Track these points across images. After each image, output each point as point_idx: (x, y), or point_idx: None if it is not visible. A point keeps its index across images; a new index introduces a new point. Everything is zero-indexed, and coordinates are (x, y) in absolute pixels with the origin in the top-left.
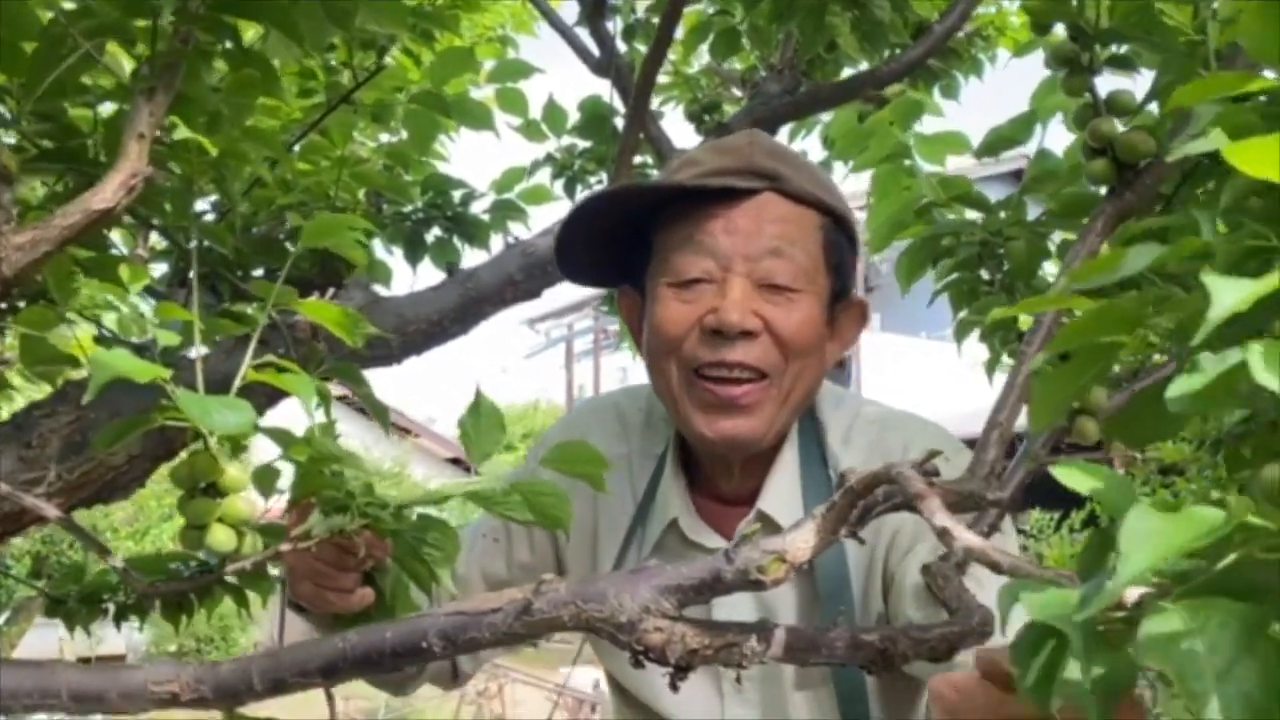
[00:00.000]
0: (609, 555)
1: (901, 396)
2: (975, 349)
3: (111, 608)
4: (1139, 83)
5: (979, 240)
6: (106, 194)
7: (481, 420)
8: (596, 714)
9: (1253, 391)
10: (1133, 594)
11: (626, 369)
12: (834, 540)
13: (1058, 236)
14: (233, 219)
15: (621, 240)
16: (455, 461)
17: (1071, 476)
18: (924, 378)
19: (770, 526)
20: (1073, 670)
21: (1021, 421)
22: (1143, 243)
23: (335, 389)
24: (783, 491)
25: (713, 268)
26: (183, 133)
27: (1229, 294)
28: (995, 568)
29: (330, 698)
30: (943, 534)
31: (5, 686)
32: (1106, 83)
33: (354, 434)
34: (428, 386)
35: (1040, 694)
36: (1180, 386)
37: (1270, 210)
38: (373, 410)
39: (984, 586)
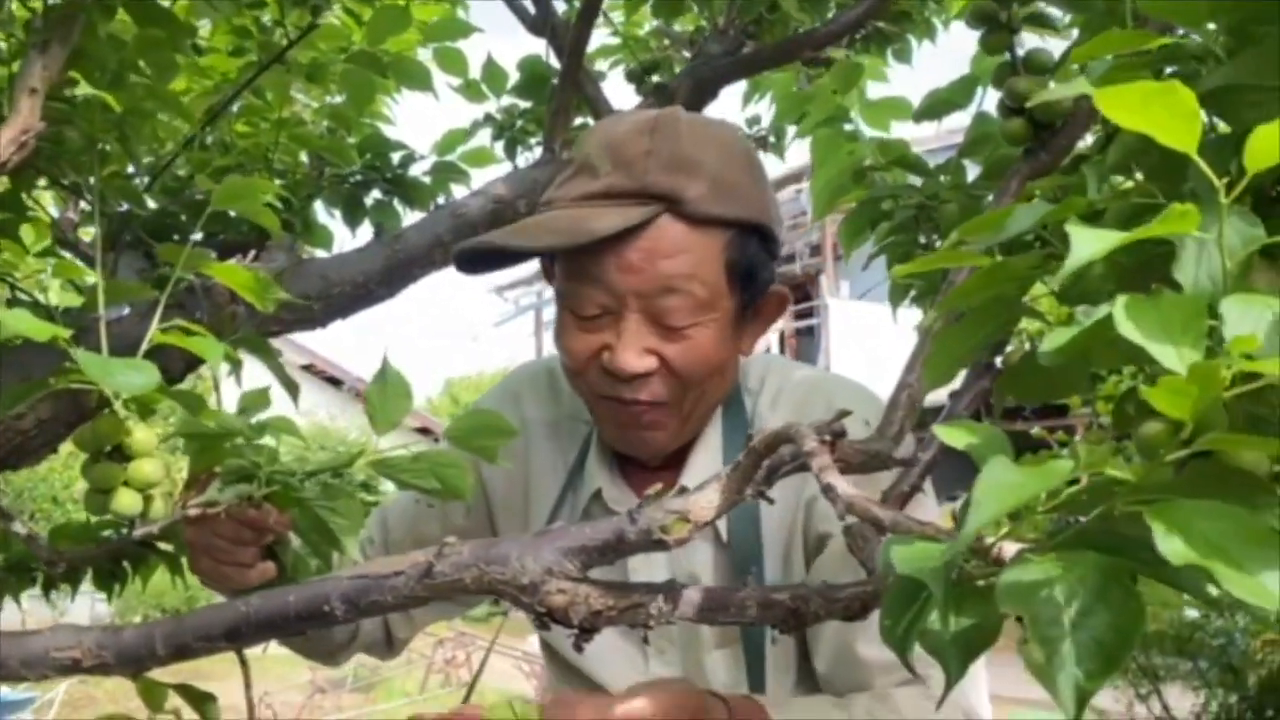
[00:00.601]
0: (539, 521)
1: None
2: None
3: (40, 576)
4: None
5: (915, 203)
6: None
7: (387, 388)
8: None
9: (1131, 346)
10: (1010, 551)
11: None
12: (739, 500)
13: (991, 199)
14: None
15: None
16: (424, 431)
17: (952, 434)
18: (892, 346)
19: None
20: (934, 622)
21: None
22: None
23: (300, 358)
24: (704, 467)
25: (609, 302)
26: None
27: (1088, 244)
28: (877, 524)
29: (244, 663)
30: (827, 490)
31: None
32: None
33: (320, 404)
34: (396, 355)
35: (903, 644)
36: (1052, 340)
37: (1157, 167)
38: (282, 384)
39: None
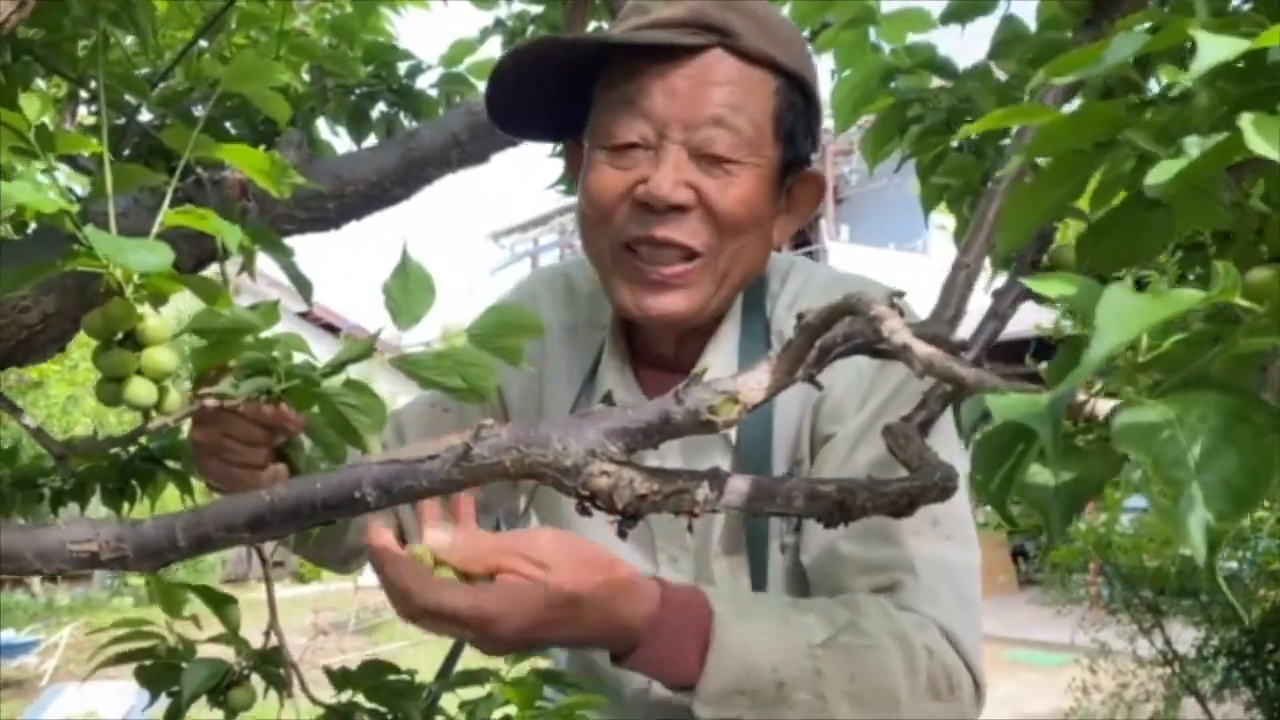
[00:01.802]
0: None
1: None
2: (946, 256)
3: (47, 492)
4: None
5: (946, 106)
6: None
7: (409, 281)
8: None
9: (1237, 201)
10: (1105, 408)
11: None
12: (789, 382)
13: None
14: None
15: (560, 93)
16: None
17: (1046, 285)
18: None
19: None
20: (1035, 475)
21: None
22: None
23: (296, 305)
24: (718, 365)
25: (648, 133)
26: None
27: (1217, 47)
28: (959, 381)
29: (263, 558)
30: (903, 350)
31: None
32: None
33: (317, 351)
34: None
35: (1000, 497)
36: (1161, 171)
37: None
38: (294, 281)
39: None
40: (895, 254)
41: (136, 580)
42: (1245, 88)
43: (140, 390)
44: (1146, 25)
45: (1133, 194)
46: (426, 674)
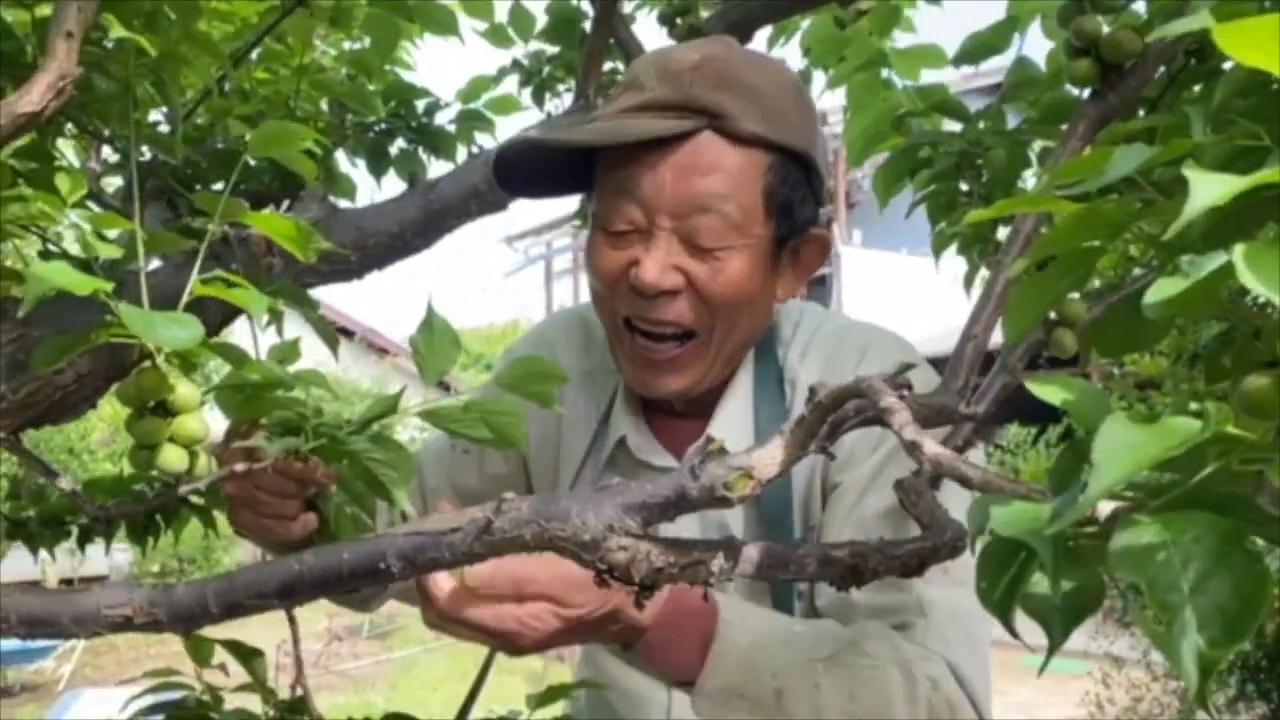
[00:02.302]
0: (569, 471)
1: (882, 313)
2: (956, 264)
3: (75, 530)
4: None
5: (957, 150)
6: (34, 97)
7: (434, 337)
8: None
9: (1234, 299)
10: (1105, 509)
11: None
12: (802, 456)
13: (1038, 145)
14: (183, 128)
15: (565, 168)
16: (439, 385)
17: (1046, 390)
18: (905, 294)
19: (720, 450)
20: (1037, 585)
21: (998, 336)
22: (1129, 144)
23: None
24: (734, 415)
25: (640, 219)
26: (121, 35)
27: (1209, 188)
28: (965, 482)
29: (292, 620)
30: (911, 447)
31: None
32: None
33: (366, 373)
34: (406, 306)
35: (1003, 609)
36: (1159, 291)
37: (1262, 108)
38: (320, 334)
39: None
40: (907, 259)
41: (153, 583)
42: (1242, 201)
43: (172, 457)
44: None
45: (1136, 295)
46: (440, 679)
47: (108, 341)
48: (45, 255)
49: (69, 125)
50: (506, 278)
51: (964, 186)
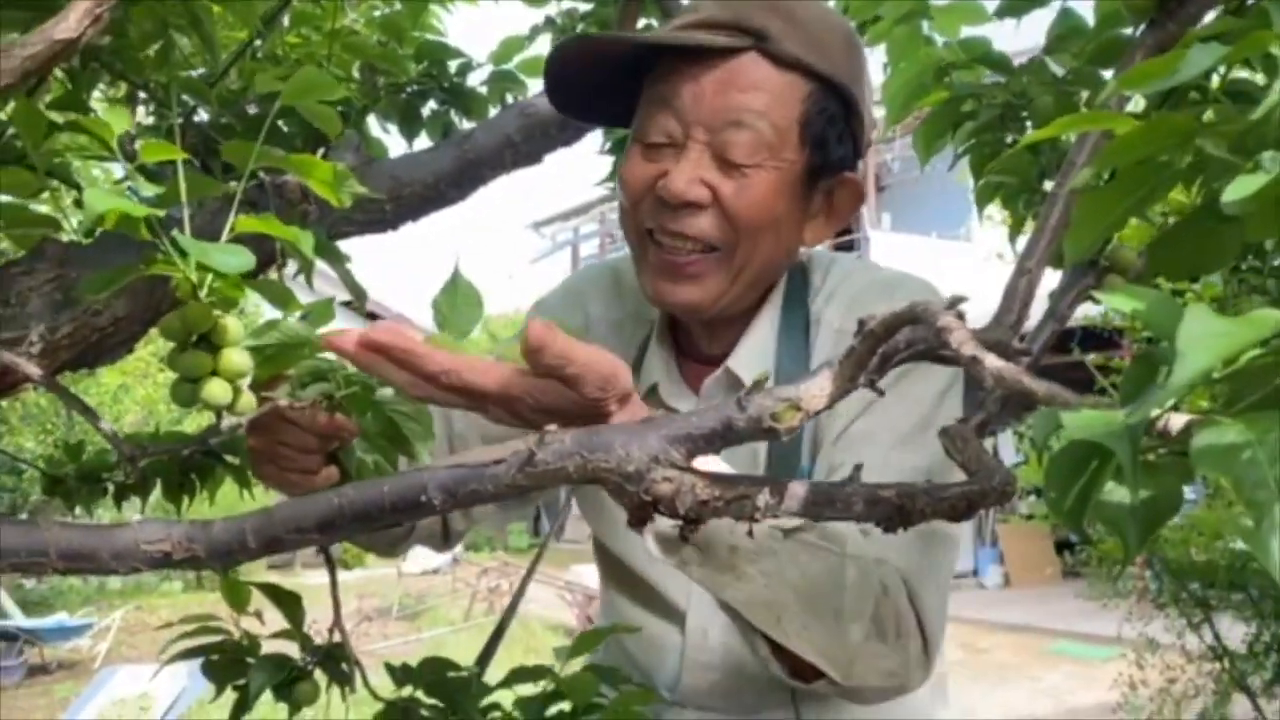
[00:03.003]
0: None
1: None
2: (990, 240)
3: (111, 487)
4: None
5: (1001, 102)
6: (70, 23)
7: (458, 297)
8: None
9: None
10: (1179, 423)
11: None
12: (851, 388)
13: (1086, 95)
14: (215, 91)
15: (613, 85)
16: None
17: (1115, 300)
18: (936, 278)
19: (735, 384)
20: (1110, 494)
21: (1043, 294)
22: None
23: (335, 292)
24: (754, 352)
25: (676, 131)
26: None
27: None
28: (1030, 396)
29: (330, 563)
30: (972, 363)
31: None
32: None
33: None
34: (431, 290)
35: (1074, 518)
36: (1238, 188)
37: None
38: (350, 289)
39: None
40: (937, 242)
41: None
42: None
43: (216, 390)
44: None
45: (1204, 204)
46: (467, 658)
47: (149, 278)
48: (79, 203)
49: (101, 81)
50: (532, 264)
51: (1009, 139)
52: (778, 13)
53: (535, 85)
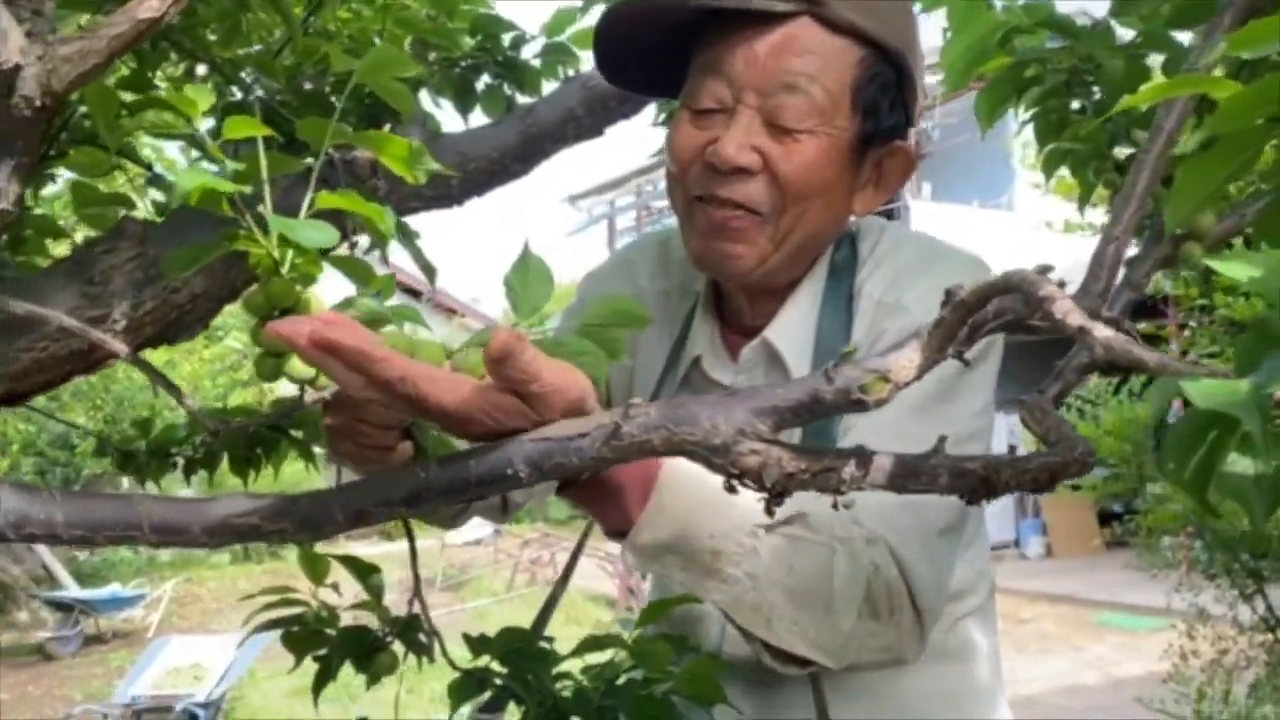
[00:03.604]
0: (645, 389)
1: None
2: (1041, 210)
3: (180, 461)
4: None
5: (1067, 68)
6: (153, 1)
7: (529, 275)
8: (647, 581)
9: None
10: None
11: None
12: (939, 359)
13: (1156, 61)
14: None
15: (664, 52)
16: None
17: (1227, 267)
18: (977, 247)
19: (772, 355)
20: (1233, 465)
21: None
22: None
23: (380, 270)
24: (793, 322)
25: (726, 97)
26: None
27: None
28: (1140, 366)
29: (410, 536)
30: (1080, 333)
31: (85, 517)
32: None
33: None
34: (471, 266)
35: (1196, 489)
36: None
37: None
38: (421, 267)
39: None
40: (979, 211)
41: None
42: None
43: (299, 365)
44: None
45: None
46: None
47: (226, 254)
48: (153, 181)
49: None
50: (569, 237)
51: (1075, 104)
52: None
53: (589, 58)
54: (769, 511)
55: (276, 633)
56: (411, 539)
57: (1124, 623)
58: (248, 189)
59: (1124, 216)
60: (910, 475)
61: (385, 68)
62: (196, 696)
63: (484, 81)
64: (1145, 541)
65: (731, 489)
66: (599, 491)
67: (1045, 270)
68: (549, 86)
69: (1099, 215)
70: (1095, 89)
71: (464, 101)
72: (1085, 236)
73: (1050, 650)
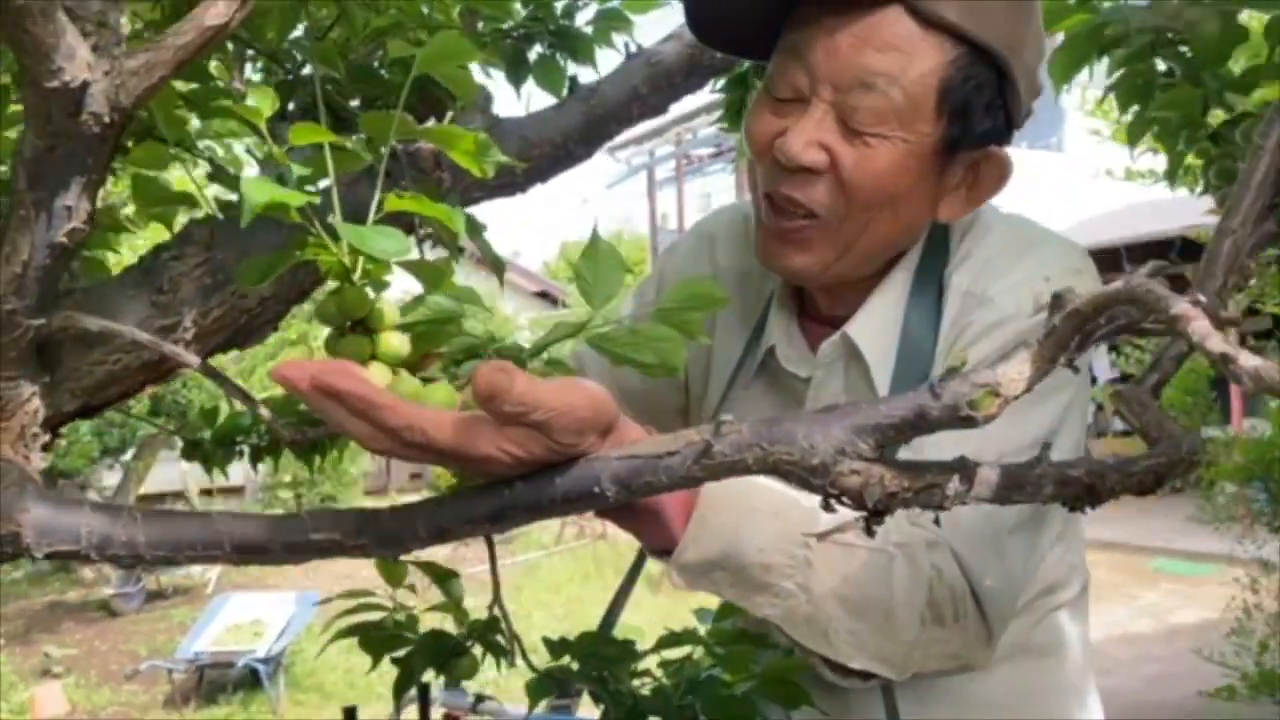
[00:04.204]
0: (721, 374)
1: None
2: (1089, 155)
3: (246, 450)
4: None
5: (1153, 27)
6: (219, 8)
7: (600, 263)
8: None
9: None
10: None
11: (710, 195)
12: (1050, 369)
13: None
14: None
15: (761, 20)
16: (542, 295)
17: None
18: (1027, 189)
19: (853, 351)
20: None
21: (1141, 228)
22: None
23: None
24: (876, 317)
25: (804, 86)
26: None
27: None
28: None
29: (490, 544)
30: (1224, 360)
31: (167, 536)
32: None
33: (514, 309)
34: (511, 220)
35: None
36: None
37: None
38: (490, 262)
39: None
40: (1028, 153)
41: (286, 493)
42: None
43: (377, 374)
44: None
45: None
46: (562, 580)
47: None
48: (216, 177)
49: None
50: (609, 188)
51: (1161, 66)
52: None
53: (642, 22)
54: (869, 531)
55: (336, 591)
56: (491, 544)
57: (1179, 569)
58: (316, 199)
59: (1240, 207)
60: (1015, 487)
61: (447, 57)
62: (257, 652)
63: (536, 52)
64: (1205, 494)
65: (829, 508)
66: (637, 510)
67: (1161, 269)
68: (602, 55)
69: (1158, 161)
70: (1183, 48)
71: (517, 73)
72: (1145, 185)
73: (1103, 598)
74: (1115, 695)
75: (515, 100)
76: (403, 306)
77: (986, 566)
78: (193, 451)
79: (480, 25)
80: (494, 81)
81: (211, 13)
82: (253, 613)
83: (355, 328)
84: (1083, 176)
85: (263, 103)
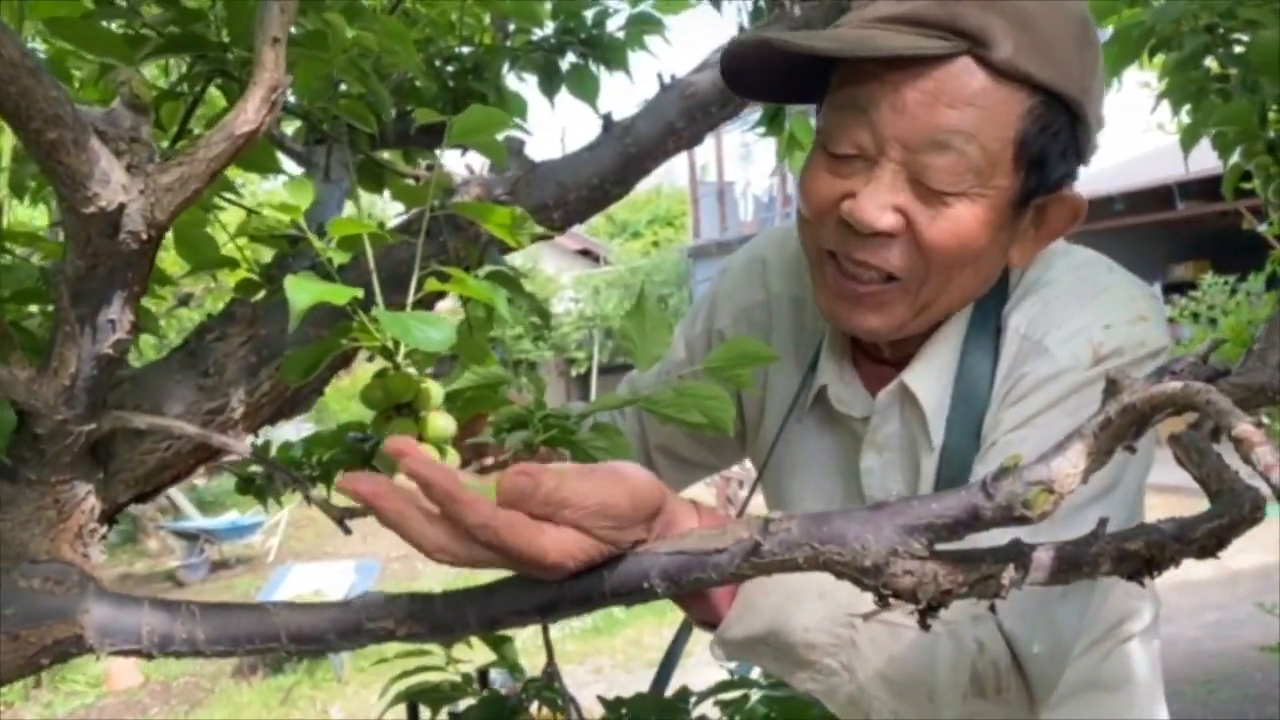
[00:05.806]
0: (776, 411)
1: None
2: (1144, 108)
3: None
4: None
5: (1205, 26)
6: (249, 114)
7: (645, 321)
8: (744, 490)
9: None
10: None
11: (750, 145)
12: (1105, 461)
13: None
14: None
15: (801, 69)
16: (584, 253)
17: None
18: None
19: (909, 398)
20: None
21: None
22: None
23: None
24: (932, 366)
25: (868, 145)
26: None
27: None
28: None
29: (546, 631)
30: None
31: (225, 632)
32: None
33: (575, 274)
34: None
35: None
36: None
37: None
38: (538, 314)
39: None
40: None
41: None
42: None
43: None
44: None
45: None
46: (621, 620)
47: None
48: (255, 239)
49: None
50: None
51: (1213, 68)
52: (997, 10)
53: (674, 24)
54: (923, 625)
55: (393, 558)
56: (545, 627)
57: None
58: (359, 293)
59: None
60: (1072, 568)
61: (481, 128)
62: None
63: (569, 61)
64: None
65: (885, 605)
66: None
67: (1213, 348)
68: (634, 58)
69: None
70: (1237, 48)
71: (550, 83)
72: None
73: None
74: (1173, 644)
75: (548, 108)
76: (450, 376)
77: (1035, 635)
78: (246, 488)
79: (511, 28)
80: (527, 85)
81: (240, 120)
82: (315, 582)
83: (401, 409)
84: (1133, 129)
85: (298, 195)
